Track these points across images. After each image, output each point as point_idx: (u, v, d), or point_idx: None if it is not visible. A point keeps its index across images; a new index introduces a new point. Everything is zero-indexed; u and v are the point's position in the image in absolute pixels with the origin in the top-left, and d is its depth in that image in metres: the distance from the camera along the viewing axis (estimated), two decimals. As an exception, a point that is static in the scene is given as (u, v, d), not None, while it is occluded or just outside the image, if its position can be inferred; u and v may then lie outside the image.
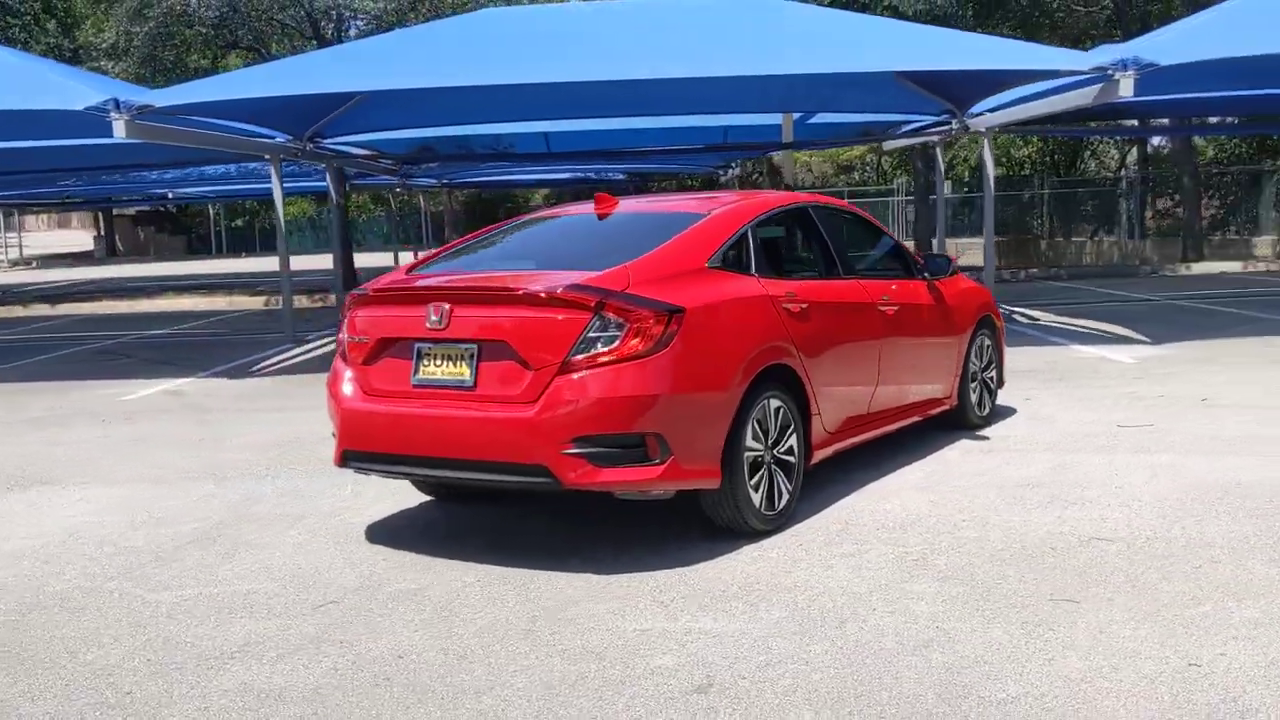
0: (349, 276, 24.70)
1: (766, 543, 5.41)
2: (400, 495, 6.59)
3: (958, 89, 15.51)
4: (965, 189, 38.00)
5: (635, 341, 4.93)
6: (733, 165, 33.71)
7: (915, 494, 6.21)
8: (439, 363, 5.26)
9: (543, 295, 5.04)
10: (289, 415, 9.61)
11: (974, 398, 7.89)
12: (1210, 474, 6.38)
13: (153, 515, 6.43)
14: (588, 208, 6.37)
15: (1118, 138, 32.72)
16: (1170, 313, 15.66)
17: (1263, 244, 29.15)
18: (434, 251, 6.34)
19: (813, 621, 4.36)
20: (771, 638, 4.22)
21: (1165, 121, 25.21)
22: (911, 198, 36.10)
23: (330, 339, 16.33)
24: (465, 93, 14.57)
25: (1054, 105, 13.05)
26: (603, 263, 5.32)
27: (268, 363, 13.71)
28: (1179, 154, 27.21)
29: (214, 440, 8.62)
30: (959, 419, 7.76)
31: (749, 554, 5.25)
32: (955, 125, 16.78)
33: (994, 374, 8.24)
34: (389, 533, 5.88)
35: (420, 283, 5.59)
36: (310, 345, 15.47)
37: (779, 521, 5.59)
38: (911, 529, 5.54)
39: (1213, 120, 28.04)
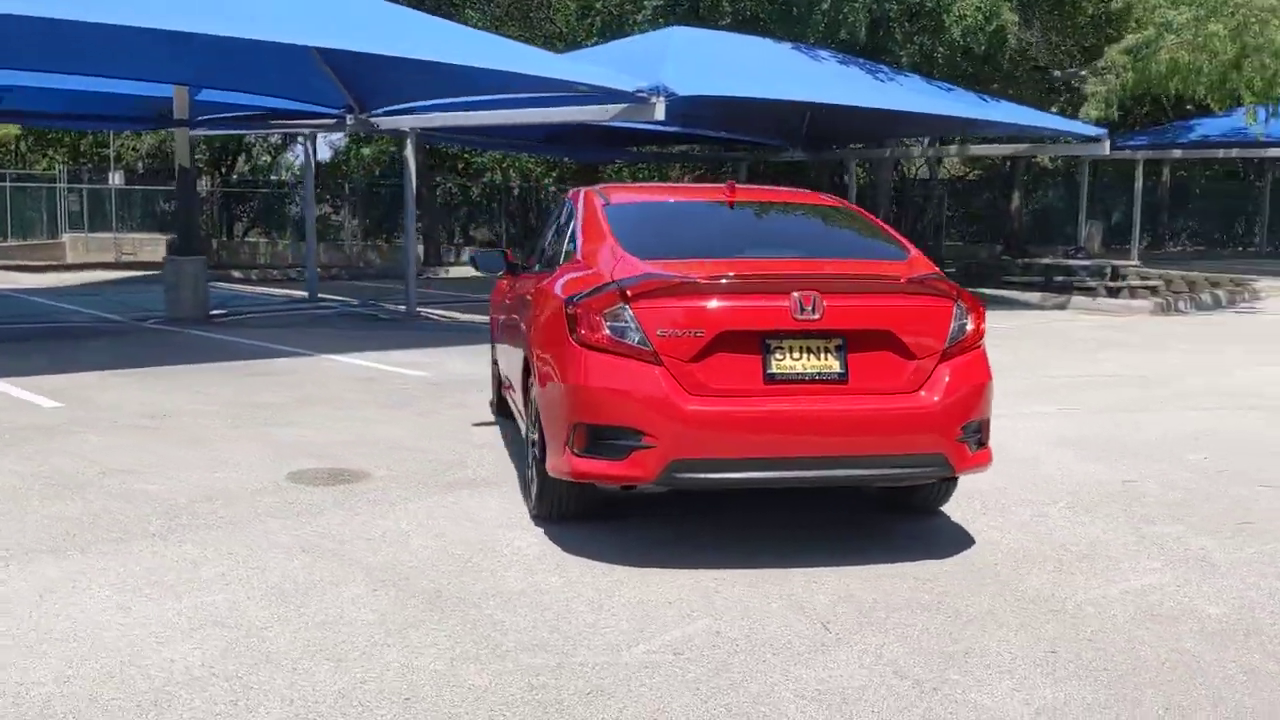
0: None
1: (979, 519, 5.87)
2: (478, 522, 5.61)
3: (389, 85, 15.49)
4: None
5: (977, 328, 5.17)
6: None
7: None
8: (797, 355, 4.86)
9: (922, 284, 5.01)
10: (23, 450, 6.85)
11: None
12: (1057, 430, 8.18)
13: (247, 588, 4.66)
14: (719, 194, 6.03)
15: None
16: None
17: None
18: (610, 240, 5.47)
19: (1206, 566, 5.14)
20: (1205, 580, 4.96)
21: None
22: (78, 185, 33.79)
23: None
24: None
25: (568, 115, 13.96)
26: (870, 253, 5.41)
27: None
28: (422, 166, 29.18)
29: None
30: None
31: (1016, 523, 5.70)
32: (351, 122, 16.66)
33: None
34: (620, 552, 5.08)
35: (771, 270, 5.03)
36: None
37: (937, 498, 6.07)
38: (1016, 492, 6.41)
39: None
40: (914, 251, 5.46)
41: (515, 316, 6.64)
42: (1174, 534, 5.60)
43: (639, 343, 4.83)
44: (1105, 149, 19.19)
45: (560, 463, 5.07)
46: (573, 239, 5.84)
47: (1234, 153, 26.78)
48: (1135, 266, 23.22)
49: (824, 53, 18.10)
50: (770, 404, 4.81)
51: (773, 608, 4.48)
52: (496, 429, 7.92)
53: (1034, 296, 19.88)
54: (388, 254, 32.34)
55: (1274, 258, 31.98)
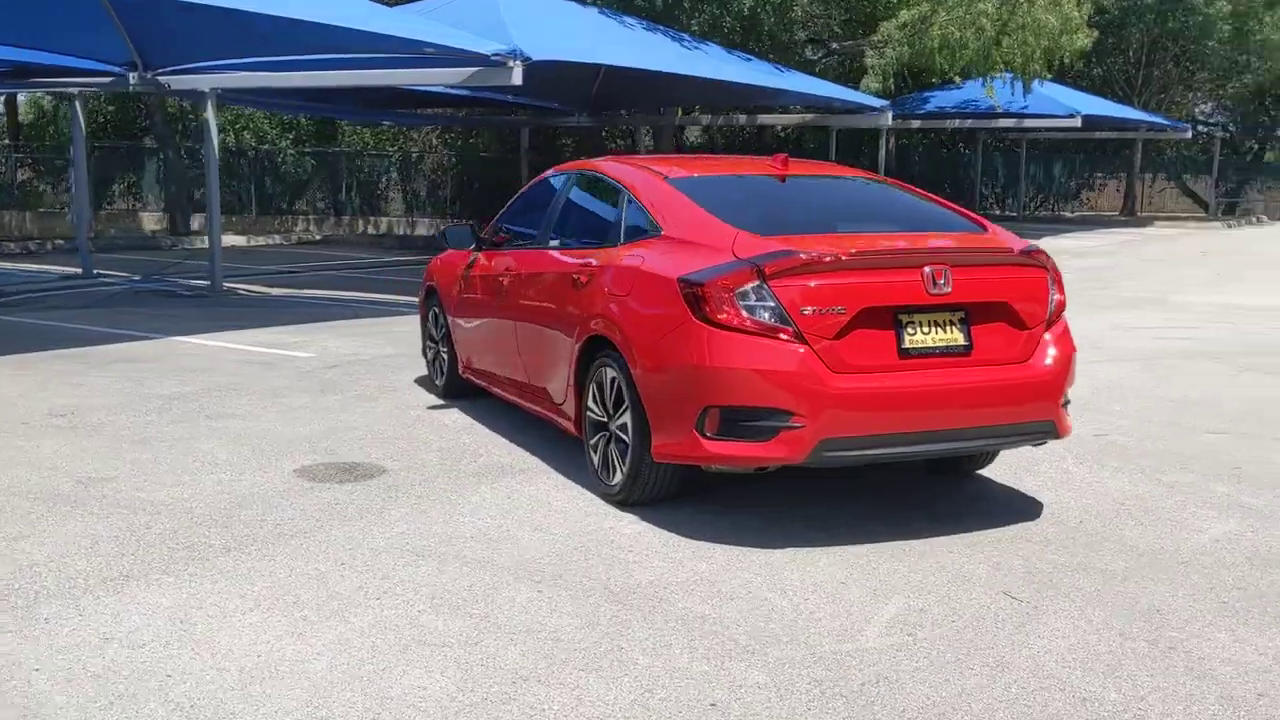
0: None
1: (1020, 480, 6.15)
2: (562, 512, 5.39)
3: (187, 39, 14.25)
4: None
5: (1062, 299, 5.40)
6: None
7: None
8: (927, 329, 4.92)
9: (1030, 256, 5.18)
10: None
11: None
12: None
13: (405, 600, 4.28)
14: (770, 167, 5.98)
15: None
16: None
17: (149, 218, 30.80)
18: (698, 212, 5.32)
19: (1250, 512, 5.58)
20: (1266, 526, 5.42)
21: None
22: None
23: None
24: None
25: (415, 79, 13.30)
26: (955, 225, 5.55)
27: None
28: (160, 126, 26.98)
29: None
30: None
31: (1052, 480, 5.98)
32: (135, 81, 15.26)
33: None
34: (738, 533, 5.00)
35: (901, 245, 5.02)
36: None
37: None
38: (1019, 451, 6.73)
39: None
40: (989, 223, 5.62)
41: (529, 297, 6.35)
42: (1192, 482, 6.05)
43: (780, 321, 4.74)
44: (889, 119, 20.25)
45: (683, 446, 4.93)
46: (640, 215, 5.63)
47: (969, 123, 28.85)
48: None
49: (629, 18, 18.11)
50: (907, 379, 4.85)
51: (942, 580, 4.55)
52: (458, 411, 7.54)
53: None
54: (105, 222, 29.90)
55: (1026, 220, 34.74)
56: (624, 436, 5.30)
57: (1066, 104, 26.79)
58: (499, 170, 30.39)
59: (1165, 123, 33.59)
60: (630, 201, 5.74)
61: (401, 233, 29.84)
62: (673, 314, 4.96)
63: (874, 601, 4.31)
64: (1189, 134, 34.96)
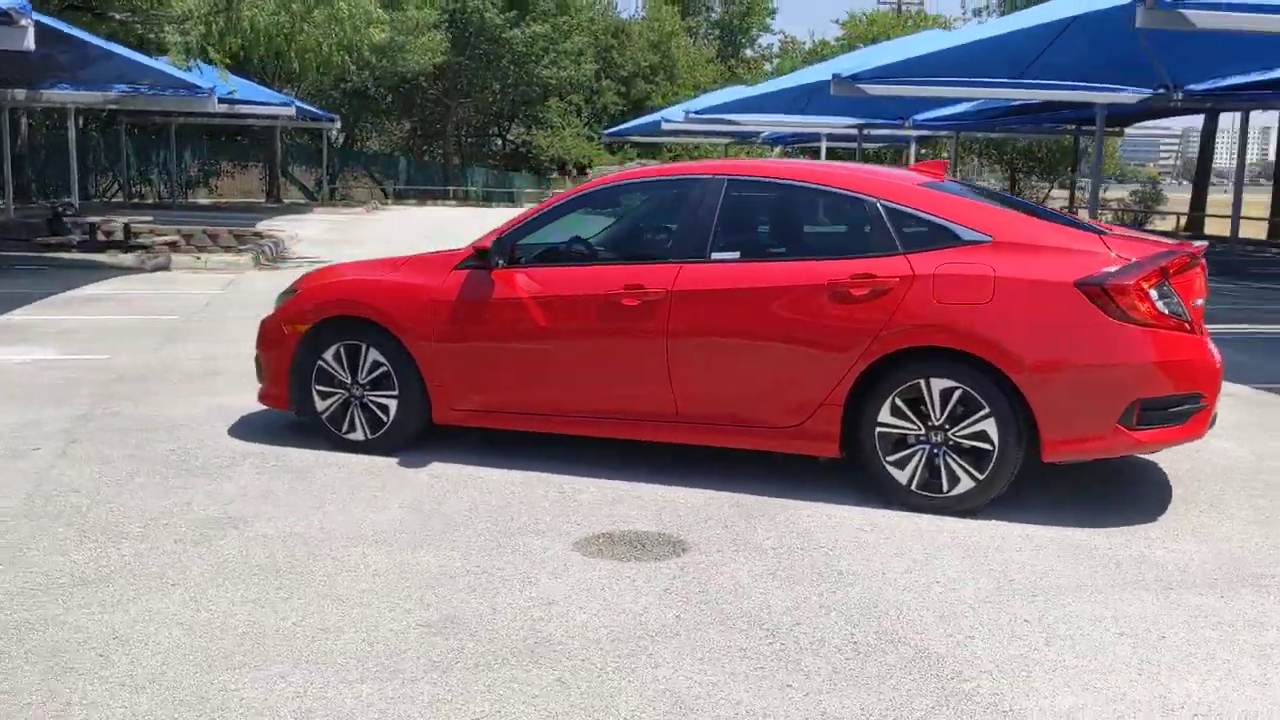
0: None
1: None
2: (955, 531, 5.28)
3: None
4: None
5: None
6: None
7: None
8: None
9: None
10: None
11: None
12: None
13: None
14: (932, 172, 6.10)
15: None
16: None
17: None
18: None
19: None
20: None
21: None
22: None
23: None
24: None
25: None
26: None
27: None
28: None
29: None
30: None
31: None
32: None
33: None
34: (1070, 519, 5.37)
35: (1184, 249, 5.66)
36: None
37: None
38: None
39: None
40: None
41: (721, 316, 5.63)
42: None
43: (1179, 313, 5.26)
44: (215, 103, 18.44)
45: (1103, 441, 5.16)
46: (928, 223, 5.43)
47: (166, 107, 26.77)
48: (143, 221, 22.44)
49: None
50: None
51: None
52: (457, 465, 6.13)
53: (125, 258, 18.20)
54: None
55: (182, 208, 32.55)
56: (981, 445, 5.24)
57: (280, 95, 26.72)
58: None
59: (321, 114, 34.93)
60: (894, 210, 5.49)
61: None
62: (1077, 316, 5.11)
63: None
64: (338, 124, 36.64)
